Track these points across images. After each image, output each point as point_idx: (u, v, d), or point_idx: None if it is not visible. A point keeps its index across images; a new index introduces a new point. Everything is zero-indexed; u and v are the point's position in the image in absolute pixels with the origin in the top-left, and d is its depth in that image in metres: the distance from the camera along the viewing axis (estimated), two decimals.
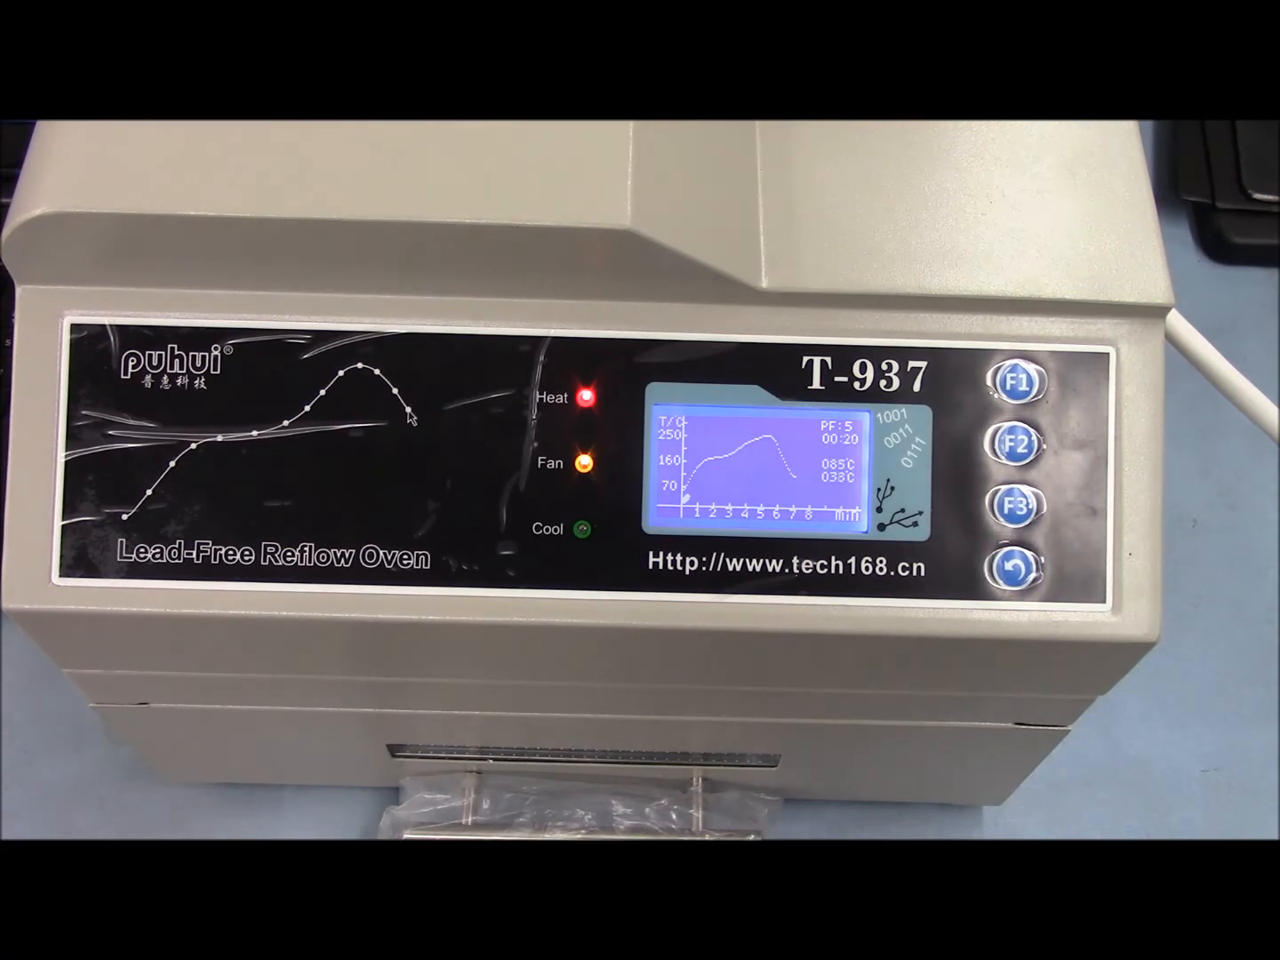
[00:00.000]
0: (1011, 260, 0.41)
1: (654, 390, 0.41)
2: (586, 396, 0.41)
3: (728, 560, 0.41)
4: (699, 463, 0.41)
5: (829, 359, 0.41)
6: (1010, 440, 0.41)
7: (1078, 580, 0.41)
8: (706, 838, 0.54)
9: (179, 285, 0.41)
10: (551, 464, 0.41)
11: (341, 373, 0.41)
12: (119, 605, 0.40)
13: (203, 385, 0.41)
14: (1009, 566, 0.41)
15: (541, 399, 0.41)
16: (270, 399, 0.41)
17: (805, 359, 0.41)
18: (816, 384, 0.41)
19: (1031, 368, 0.41)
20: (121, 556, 0.41)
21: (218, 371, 0.41)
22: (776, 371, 0.41)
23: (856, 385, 0.41)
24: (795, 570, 0.41)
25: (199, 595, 0.41)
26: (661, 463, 0.41)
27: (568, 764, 0.54)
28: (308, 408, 0.41)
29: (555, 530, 0.41)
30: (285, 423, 0.41)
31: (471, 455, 0.41)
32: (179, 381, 0.41)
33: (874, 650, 0.42)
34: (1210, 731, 0.61)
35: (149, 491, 0.41)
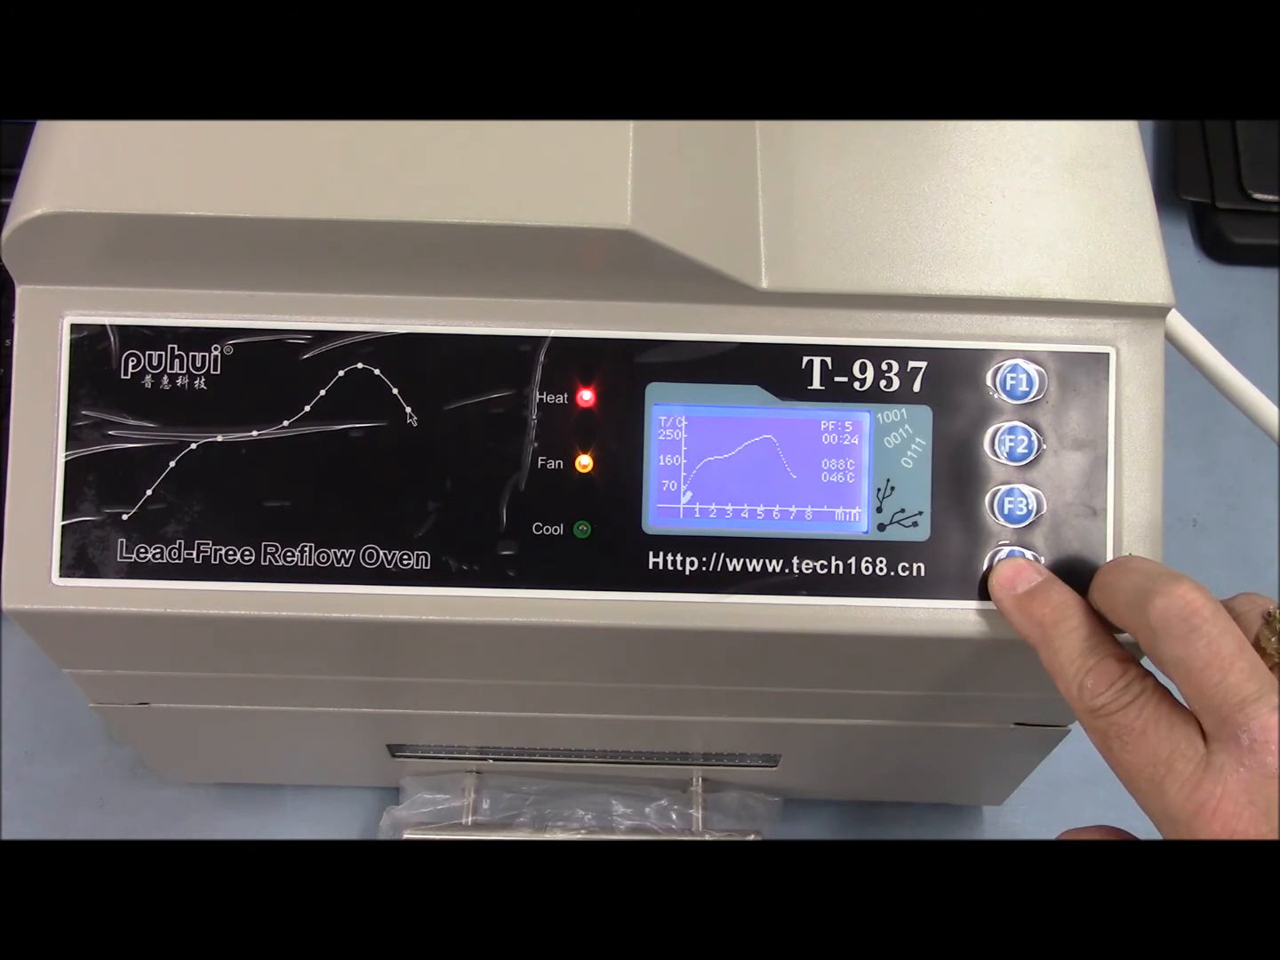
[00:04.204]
0: (1011, 260, 0.41)
1: (654, 390, 0.41)
2: (586, 396, 0.41)
3: (728, 560, 0.41)
4: (699, 463, 0.41)
5: (829, 359, 0.41)
6: (1010, 440, 0.41)
7: (1078, 580, 0.41)
8: (706, 838, 0.54)
9: (179, 285, 0.41)
10: (551, 464, 0.41)
11: (341, 373, 0.41)
12: (119, 605, 0.41)
13: (203, 385, 0.41)
14: None
15: (541, 399, 0.41)
16: (270, 399, 0.41)
17: (805, 359, 0.41)
18: (816, 384, 0.41)
19: (1031, 368, 0.41)
20: (121, 556, 0.41)
21: (218, 371, 0.41)
22: (776, 371, 0.41)
23: (856, 385, 0.41)
24: (795, 570, 0.41)
25: (199, 595, 0.41)
26: (661, 463, 0.41)
27: (568, 764, 0.54)
28: (308, 408, 0.41)
29: (555, 530, 0.41)
30: (285, 423, 0.41)
31: (471, 455, 0.41)
32: (179, 381, 0.41)
33: (874, 650, 0.42)
34: None
35: (149, 491, 0.41)
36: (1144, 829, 0.37)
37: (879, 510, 0.41)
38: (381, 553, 0.41)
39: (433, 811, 0.55)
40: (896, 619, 0.41)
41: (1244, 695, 0.34)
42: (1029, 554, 0.41)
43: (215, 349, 0.41)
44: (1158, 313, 0.42)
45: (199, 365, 0.41)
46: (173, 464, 0.41)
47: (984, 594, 0.41)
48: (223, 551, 0.41)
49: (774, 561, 0.41)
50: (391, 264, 0.40)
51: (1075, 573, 0.41)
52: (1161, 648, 0.36)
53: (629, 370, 0.41)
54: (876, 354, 0.41)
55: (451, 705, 0.48)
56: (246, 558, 0.41)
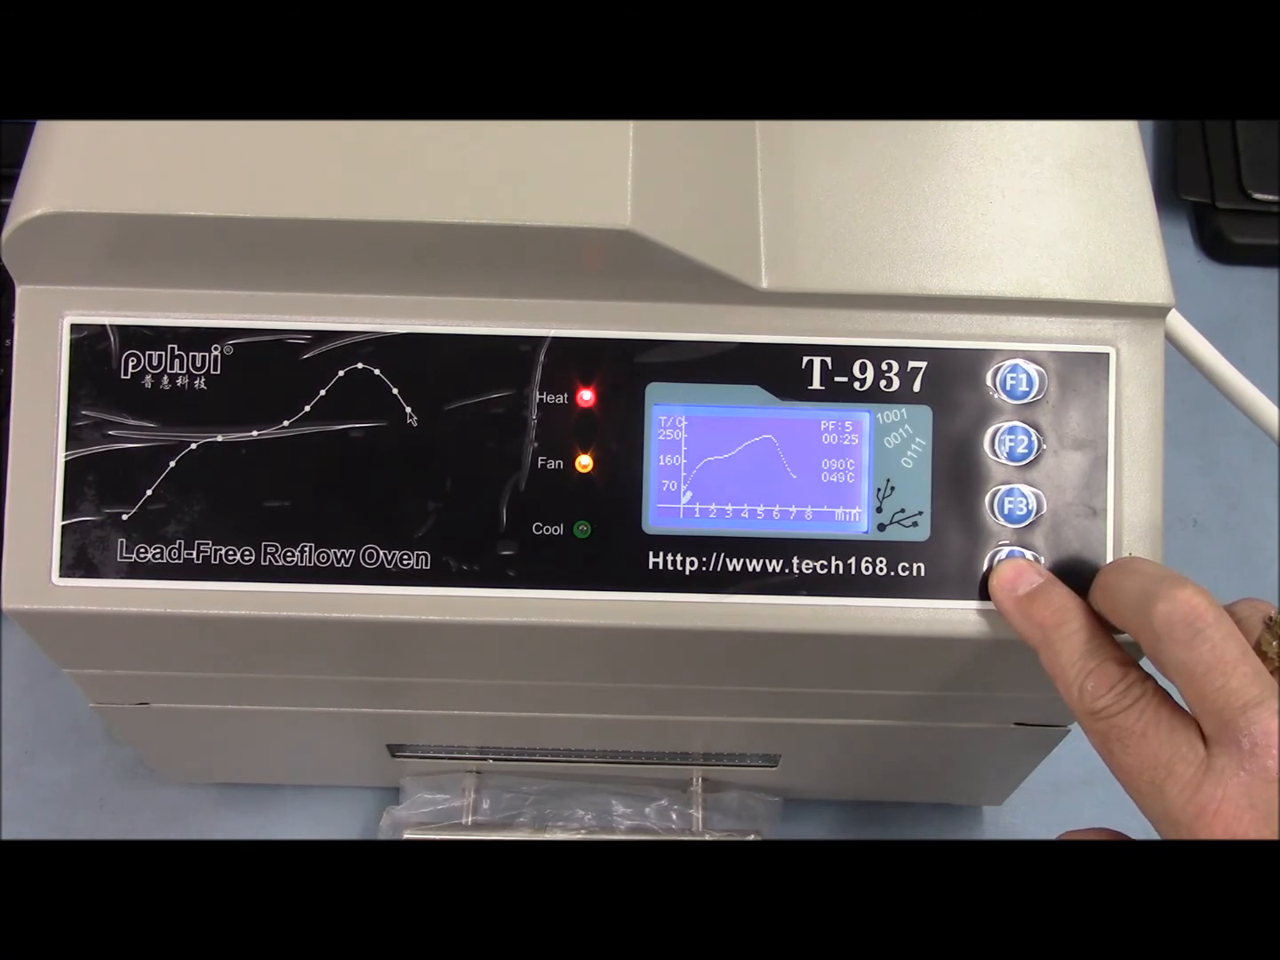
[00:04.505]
0: (1011, 260, 0.41)
1: (654, 390, 0.41)
2: (586, 396, 0.41)
3: (728, 560, 0.41)
4: (699, 463, 0.41)
5: (829, 359, 0.41)
6: (1010, 440, 0.41)
7: (1078, 581, 0.41)
8: (706, 838, 0.54)
9: (179, 285, 0.41)
10: (551, 464, 0.41)
11: (341, 373, 0.41)
12: (119, 605, 0.41)
13: (203, 385, 0.41)
14: None
15: (541, 399, 0.41)
16: (270, 399, 0.41)
17: (805, 359, 0.41)
18: (816, 384, 0.41)
19: (1031, 368, 0.41)
20: (121, 556, 0.41)
21: (218, 371, 0.41)
22: (776, 371, 0.41)
23: (856, 385, 0.41)
24: (795, 570, 0.41)
25: (199, 595, 0.41)
26: (661, 463, 0.41)
27: (568, 764, 0.54)
28: (308, 408, 0.41)
29: (555, 530, 0.41)
30: (285, 423, 0.41)
31: (471, 455, 0.41)
32: (179, 381, 0.41)
33: (874, 650, 0.42)
34: None
35: (149, 491, 0.41)
36: (1143, 831, 0.37)
37: (879, 510, 0.41)
38: (381, 553, 0.41)
39: (433, 811, 0.55)
40: (896, 619, 0.41)
41: (1246, 699, 0.34)
42: (1029, 554, 0.41)
43: (215, 349, 0.41)
44: (1158, 313, 0.42)
45: (199, 365, 0.41)
46: (173, 464, 0.41)
47: (984, 594, 0.41)
48: (223, 551, 0.41)
49: (774, 561, 0.41)
50: (391, 264, 0.40)
51: (1075, 573, 0.41)
52: (1164, 651, 0.36)
53: (629, 370, 0.41)
54: (876, 354, 0.41)
55: (451, 705, 0.48)
56: (246, 558, 0.41)
